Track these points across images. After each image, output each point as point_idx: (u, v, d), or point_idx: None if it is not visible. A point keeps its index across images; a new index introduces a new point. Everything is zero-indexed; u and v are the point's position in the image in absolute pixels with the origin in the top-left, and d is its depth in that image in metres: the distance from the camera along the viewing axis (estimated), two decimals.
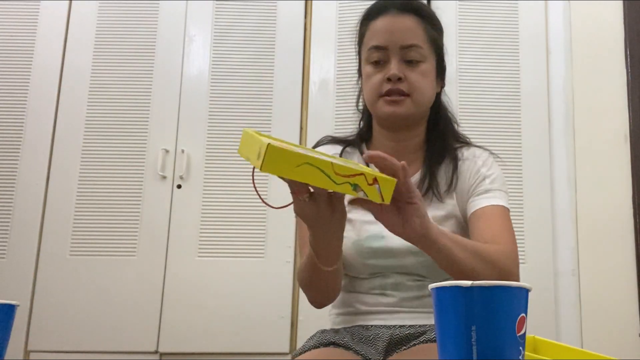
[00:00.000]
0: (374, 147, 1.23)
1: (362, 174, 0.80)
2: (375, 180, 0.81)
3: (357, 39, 1.24)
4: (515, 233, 1.09)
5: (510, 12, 2.54)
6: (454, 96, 2.43)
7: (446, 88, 1.24)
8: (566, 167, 2.42)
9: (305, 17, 2.55)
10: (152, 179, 2.39)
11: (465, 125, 2.40)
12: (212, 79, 2.48)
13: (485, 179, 1.15)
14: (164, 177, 2.39)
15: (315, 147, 1.24)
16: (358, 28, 1.23)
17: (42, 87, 2.46)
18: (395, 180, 0.84)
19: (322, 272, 0.99)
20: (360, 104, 1.26)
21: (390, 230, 0.90)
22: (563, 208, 2.38)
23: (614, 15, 2.53)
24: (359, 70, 1.24)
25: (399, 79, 1.12)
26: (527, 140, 2.43)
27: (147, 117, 2.44)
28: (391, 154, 1.11)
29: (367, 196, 0.81)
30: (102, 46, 2.50)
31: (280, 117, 2.44)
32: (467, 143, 1.23)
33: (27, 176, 2.39)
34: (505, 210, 1.11)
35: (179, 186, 2.39)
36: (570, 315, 2.30)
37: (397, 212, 0.88)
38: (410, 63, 1.14)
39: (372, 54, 1.16)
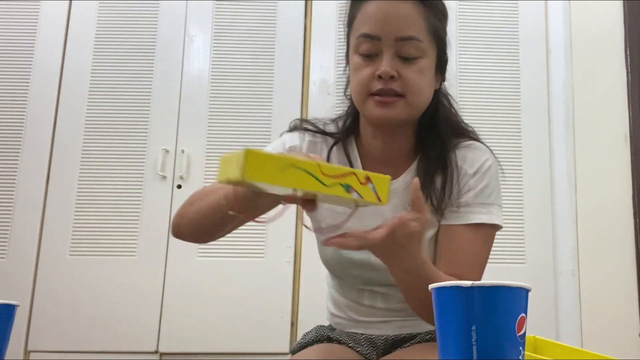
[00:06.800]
0: (361, 145, 1.13)
1: (353, 173, 0.75)
2: (368, 179, 0.75)
3: (346, 20, 1.10)
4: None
5: (510, 12, 2.54)
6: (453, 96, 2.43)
7: (446, 89, 1.15)
8: (566, 167, 2.42)
9: (305, 17, 2.55)
10: (152, 179, 2.39)
11: None
12: (212, 79, 2.48)
13: (469, 191, 1.04)
14: (164, 177, 2.39)
15: (291, 130, 1.16)
16: (348, 8, 1.09)
17: (42, 87, 2.46)
18: (389, 177, 0.77)
19: (229, 217, 0.91)
20: (349, 91, 1.12)
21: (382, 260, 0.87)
22: (563, 208, 2.38)
23: (614, 15, 2.53)
24: (347, 56, 1.11)
25: (392, 77, 1.00)
26: (527, 140, 2.43)
27: (147, 117, 2.44)
28: (380, 156, 1.09)
29: (362, 197, 0.75)
30: (102, 46, 2.50)
31: (280, 117, 2.43)
32: (469, 138, 1.12)
33: (27, 176, 2.39)
34: (480, 231, 1.01)
35: (179, 186, 2.39)
36: (570, 315, 2.30)
37: (390, 241, 0.81)
38: (406, 60, 1.01)
39: (362, 44, 1.02)
